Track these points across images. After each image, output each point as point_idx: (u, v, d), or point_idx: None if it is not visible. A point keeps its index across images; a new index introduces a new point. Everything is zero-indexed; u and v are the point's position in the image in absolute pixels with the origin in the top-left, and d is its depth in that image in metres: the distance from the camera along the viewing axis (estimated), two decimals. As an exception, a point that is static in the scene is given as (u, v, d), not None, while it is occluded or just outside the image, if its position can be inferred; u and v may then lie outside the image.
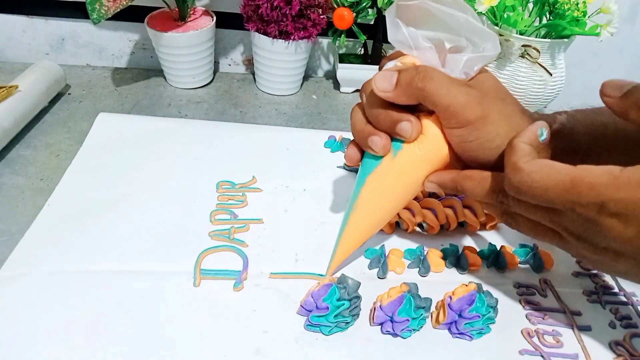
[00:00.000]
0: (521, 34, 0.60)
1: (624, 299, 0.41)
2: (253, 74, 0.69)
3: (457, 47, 0.32)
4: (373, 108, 0.33)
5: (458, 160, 0.34)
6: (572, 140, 0.33)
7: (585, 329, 0.38)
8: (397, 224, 0.45)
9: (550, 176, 0.27)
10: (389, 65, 0.34)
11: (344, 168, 0.51)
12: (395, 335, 0.35)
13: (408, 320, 0.34)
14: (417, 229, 0.45)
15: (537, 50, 0.60)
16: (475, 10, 0.58)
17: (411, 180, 0.35)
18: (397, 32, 0.32)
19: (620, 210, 0.25)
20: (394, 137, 0.33)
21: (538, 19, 0.61)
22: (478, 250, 0.43)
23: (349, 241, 0.38)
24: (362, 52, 0.70)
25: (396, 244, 0.43)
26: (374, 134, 0.33)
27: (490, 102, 0.31)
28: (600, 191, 0.25)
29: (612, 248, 0.27)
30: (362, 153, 0.36)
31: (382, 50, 0.67)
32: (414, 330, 0.35)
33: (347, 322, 0.35)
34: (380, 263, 0.40)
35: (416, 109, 0.33)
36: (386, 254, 0.42)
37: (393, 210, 0.37)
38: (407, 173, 0.34)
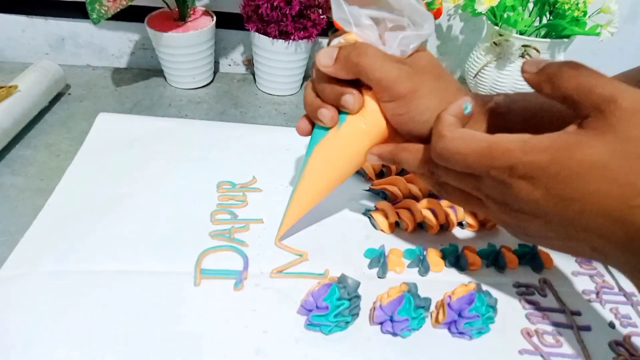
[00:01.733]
0: (521, 34, 0.60)
1: (624, 299, 0.41)
2: (253, 74, 0.69)
3: (398, 26, 0.33)
4: (320, 82, 0.35)
5: (397, 135, 0.36)
6: (507, 119, 0.35)
7: (585, 329, 0.38)
8: (397, 223, 0.45)
9: (469, 143, 0.29)
10: (334, 42, 0.36)
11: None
12: (395, 334, 0.35)
13: (408, 319, 0.34)
14: (417, 228, 0.45)
15: (537, 50, 0.60)
16: (475, 10, 0.58)
17: (354, 151, 0.37)
18: (339, 10, 0.34)
19: (527, 172, 0.27)
20: (340, 109, 0.35)
21: (538, 18, 0.61)
22: (478, 250, 0.43)
23: (296, 208, 0.40)
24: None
25: (396, 243, 0.43)
26: (323, 106, 0.36)
27: (423, 77, 0.33)
28: (511, 155, 0.27)
29: (524, 210, 0.28)
30: (313, 125, 0.38)
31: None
32: (413, 329, 0.35)
33: (347, 322, 0.35)
34: (380, 263, 0.40)
35: (360, 85, 0.35)
36: (386, 254, 0.42)
37: (337, 180, 0.39)
38: (350, 144, 0.36)
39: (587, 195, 0.25)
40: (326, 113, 0.35)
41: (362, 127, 0.35)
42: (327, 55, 0.33)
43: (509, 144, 0.27)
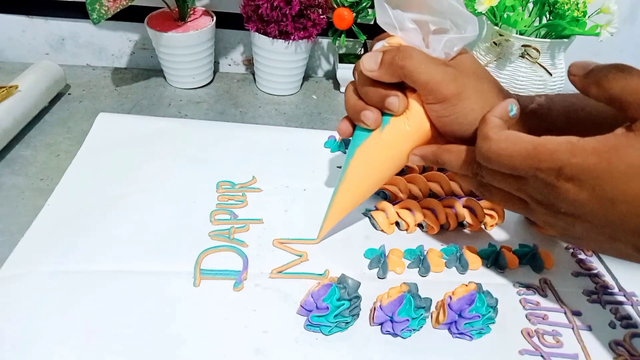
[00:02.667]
0: (521, 34, 0.60)
1: (624, 299, 0.41)
2: (253, 74, 0.69)
3: (441, 29, 0.34)
4: (364, 86, 0.36)
5: (440, 137, 0.36)
6: (548, 120, 0.35)
7: (585, 329, 0.38)
8: (397, 224, 0.45)
9: (515, 144, 0.29)
10: (377, 45, 0.36)
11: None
12: (395, 335, 0.35)
13: (408, 320, 0.34)
14: (417, 229, 0.45)
15: (537, 50, 0.60)
16: (475, 10, 0.58)
17: (396, 153, 0.37)
18: (383, 14, 0.34)
19: (575, 174, 0.27)
20: (383, 112, 0.36)
21: (538, 19, 0.61)
22: (478, 250, 0.43)
23: (338, 209, 0.41)
24: (362, 52, 0.70)
25: (396, 244, 0.43)
26: (366, 109, 0.36)
27: (466, 80, 0.34)
28: (558, 157, 0.27)
29: (570, 212, 0.29)
30: (354, 127, 0.39)
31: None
32: (414, 330, 0.35)
33: (347, 322, 0.35)
34: (380, 263, 0.40)
35: (403, 88, 0.35)
36: (386, 254, 0.42)
37: (379, 182, 0.40)
38: (393, 146, 0.37)
39: (633, 197, 0.26)
40: (370, 115, 0.36)
41: (406, 129, 0.36)
42: (371, 60, 0.34)
43: (556, 146, 0.28)
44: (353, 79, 0.38)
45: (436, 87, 0.33)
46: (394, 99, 0.35)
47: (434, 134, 0.36)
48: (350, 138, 0.39)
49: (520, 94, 0.40)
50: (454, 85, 0.33)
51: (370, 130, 0.37)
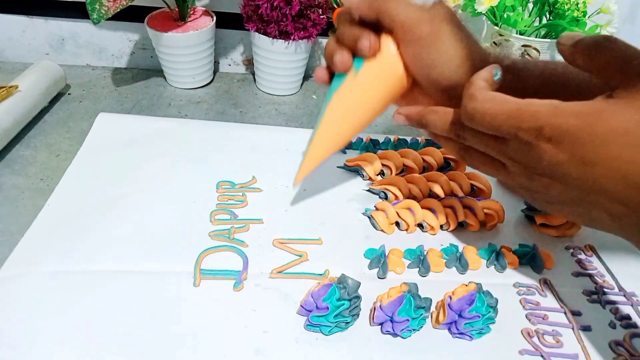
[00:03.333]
0: (521, 34, 0.60)
1: (624, 299, 0.41)
2: (253, 74, 0.69)
3: None
4: (341, 26, 0.37)
5: (415, 87, 0.37)
6: (522, 77, 0.36)
7: (585, 329, 0.38)
8: (397, 224, 0.45)
9: (499, 104, 0.30)
10: None
11: (344, 168, 0.51)
12: (395, 335, 0.35)
13: (408, 320, 0.34)
14: (417, 229, 0.45)
15: (537, 50, 0.60)
16: (475, 10, 0.58)
17: (371, 96, 0.37)
18: None
19: (554, 134, 0.28)
20: (356, 55, 0.36)
21: (538, 19, 0.61)
22: (478, 250, 0.43)
23: (314, 155, 0.40)
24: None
25: (396, 244, 0.43)
26: (338, 50, 0.37)
27: (443, 24, 0.34)
28: (539, 117, 0.28)
29: (547, 173, 0.30)
30: (331, 76, 0.39)
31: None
32: (414, 330, 0.35)
33: (347, 322, 0.35)
34: (380, 263, 0.40)
35: (379, 32, 0.36)
36: (386, 254, 0.42)
37: (355, 127, 0.39)
38: (367, 89, 0.37)
39: (609, 159, 0.27)
40: (339, 57, 0.36)
41: (379, 73, 0.36)
42: None
43: (538, 107, 0.28)
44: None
45: (412, 26, 0.34)
46: (365, 41, 0.35)
47: (408, 79, 0.37)
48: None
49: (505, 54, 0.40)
50: (429, 25, 0.34)
51: (345, 75, 0.37)
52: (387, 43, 0.36)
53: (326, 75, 0.39)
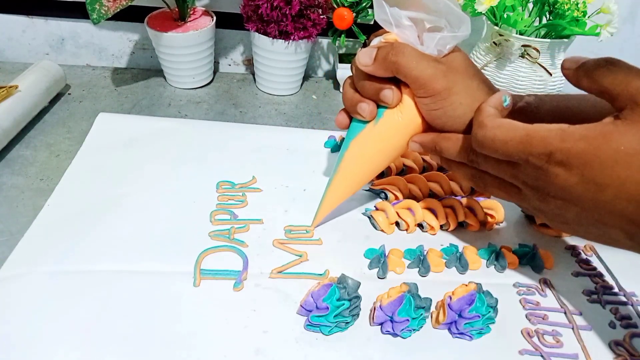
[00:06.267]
0: (521, 34, 0.60)
1: (624, 299, 0.41)
2: (253, 74, 0.69)
3: (436, 27, 0.35)
4: (360, 79, 0.38)
5: (430, 130, 0.38)
6: (536, 118, 0.37)
7: (585, 329, 0.38)
8: (397, 224, 0.45)
9: (509, 131, 0.31)
10: (374, 41, 0.38)
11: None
12: (395, 335, 0.35)
13: (408, 320, 0.34)
14: (417, 229, 0.45)
15: (537, 50, 0.60)
16: (475, 10, 0.58)
17: (389, 145, 0.39)
18: (381, 11, 0.36)
19: (564, 159, 0.28)
20: (378, 104, 0.38)
21: (538, 19, 0.61)
22: (478, 250, 0.43)
23: (332, 199, 0.42)
24: (362, 52, 0.70)
25: (396, 244, 0.43)
26: (362, 101, 0.38)
27: (456, 76, 0.35)
28: (549, 142, 0.29)
29: (560, 196, 0.30)
30: (351, 120, 0.40)
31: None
32: (414, 330, 0.35)
33: (347, 322, 0.35)
34: (380, 263, 0.40)
35: (397, 82, 0.37)
36: (386, 254, 0.42)
37: (372, 172, 0.42)
38: (386, 138, 0.39)
39: (619, 181, 0.27)
40: (365, 107, 0.37)
41: (398, 122, 0.37)
42: (366, 55, 0.36)
43: (547, 132, 0.29)
44: (351, 74, 0.40)
45: (426, 81, 0.34)
46: (388, 92, 0.36)
47: (425, 127, 0.38)
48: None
49: (519, 94, 0.40)
50: (443, 80, 0.34)
51: (365, 123, 0.39)
52: (406, 95, 0.37)
53: (347, 120, 0.40)
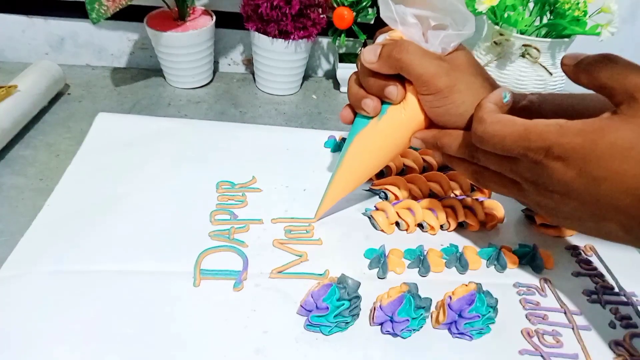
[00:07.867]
0: (522, 33, 0.60)
1: (624, 299, 0.41)
2: (253, 73, 0.69)
3: (441, 25, 0.36)
4: (365, 76, 0.38)
5: (433, 126, 0.38)
6: (539, 117, 0.38)
7: (585, 329, 0.38)
8: (397, 224, 0.45)
9: (507, 126, 0.31)
10: (379, 39, 0.38)
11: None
12: (395, 335, 0.35)
13: (408, 320, 0.34)
14: (417, 229, 0.45)
15: (538, 50, 0.60)
16: (475, 9, 0.58)
17: (392, 140, 0.40)
18: (386, 8, 0.36)
19: (562, 153, 0.29)
20: (382, 100, 0.38)
21: (538, 18, 0.61)
22: (478, 250, 0.43)
23: (334, 193, 0.43)
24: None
25: (396, 244, 0.43)
26: (366, 97, 0.38)
27: (459, 74, 0.36)
28: (547, 137, 0.29)
29: (558, 190, 0.30)
30: (355, 115, 0.41)
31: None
32: (414, 330, 0.35)
33: (347, 322, 0.35)
34: (380, 263, 0.40)
35: (402, 79, 0.37)
36: (386, 254, 0.41)
37: (375, 167, 0.42)
38: (389, 134, 0.39)
39: (616, 175, 0.27)
40: (370, 103, 0.38)
41: (402, 118, 0.38)
42: (371, 52, 0.36)
43: (545, 127, 0.29)
44: (356, 70, 0.40)
45: (430, 79, 0.35)
46: (393, 89, 0.37)
47: (427, 124, 0.38)
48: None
49: (521, 92, 0.40)
50: (447, 78, 0.35)
51: (369, 118, 0.39)
52: (410, 92, 0.37)
53: (351, 115, 0.41)
